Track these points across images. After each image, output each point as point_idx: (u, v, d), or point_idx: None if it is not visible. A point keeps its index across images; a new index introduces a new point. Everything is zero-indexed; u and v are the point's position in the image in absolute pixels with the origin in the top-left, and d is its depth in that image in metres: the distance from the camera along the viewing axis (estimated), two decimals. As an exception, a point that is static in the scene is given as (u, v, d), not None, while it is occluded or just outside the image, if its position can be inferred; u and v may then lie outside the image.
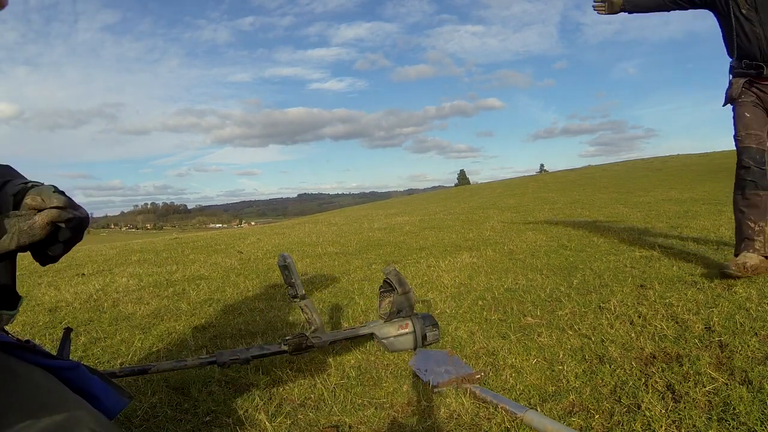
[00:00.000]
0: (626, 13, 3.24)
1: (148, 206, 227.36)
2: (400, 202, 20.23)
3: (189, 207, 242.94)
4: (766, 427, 1.27)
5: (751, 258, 2.65)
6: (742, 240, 2.82)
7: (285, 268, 1.89)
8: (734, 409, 1.38)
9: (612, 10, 3.19)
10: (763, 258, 2.68)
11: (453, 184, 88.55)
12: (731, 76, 2.99)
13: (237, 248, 5.87)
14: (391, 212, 11.18)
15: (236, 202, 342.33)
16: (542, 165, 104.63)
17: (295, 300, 1.93)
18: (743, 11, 2.74)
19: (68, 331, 1.10)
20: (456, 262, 4.01)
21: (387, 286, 2.16)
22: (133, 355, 2.26)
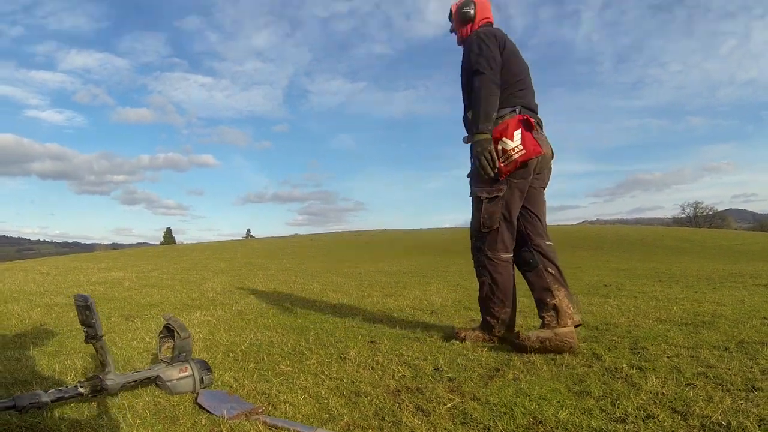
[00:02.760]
0: None
1: None
2: (108, 257, 19.61)
3: None
4: (497, 424, 1.89)
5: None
6: None
7: (86, 308, 1.99)
8: (471, 416, 1.99)
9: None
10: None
11: (158, 242, 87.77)
12: None
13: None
14: (102, 266, 10.92)
15: None
16: (249, 230, 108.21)
17: (92, 341, 2.02)
18: None
19: None
20: (192, 319, 4.26)
21: (166, 332, 2.40)
22: None
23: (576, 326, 3.06)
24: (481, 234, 3.29)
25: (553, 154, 3.39)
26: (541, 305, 3.14)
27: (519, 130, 3.14)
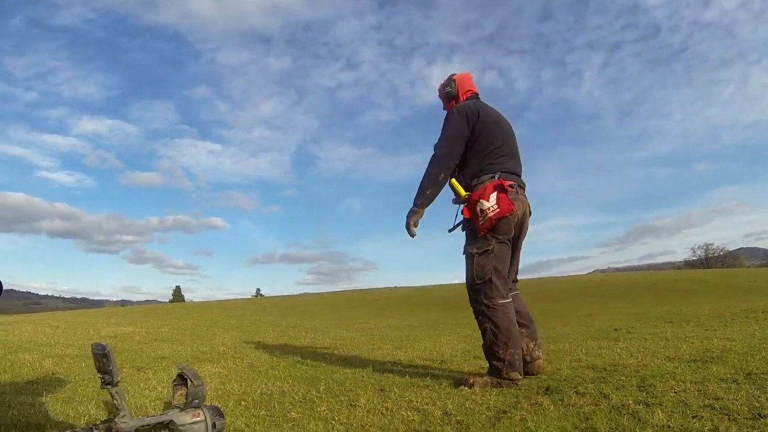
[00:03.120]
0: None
1: None
2: (117, 313, 19.76)
3: None
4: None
5: None
6: None
7: (104, 356, 2.05)
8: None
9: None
10: None
11: (167, 300, 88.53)
12: None
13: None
14: (112, 321, 11.03)
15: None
16: (258, 289, 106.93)
17: (108, 387, 2.08)
18: None
19: None
20: (203, 370, 4.31)
21: (180, 380, 2.46)
22: None
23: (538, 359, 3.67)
24: (475, 286, 3.59)
25: (530, 212, 3.80)
26: None
27: (494, 193, 3.55)
